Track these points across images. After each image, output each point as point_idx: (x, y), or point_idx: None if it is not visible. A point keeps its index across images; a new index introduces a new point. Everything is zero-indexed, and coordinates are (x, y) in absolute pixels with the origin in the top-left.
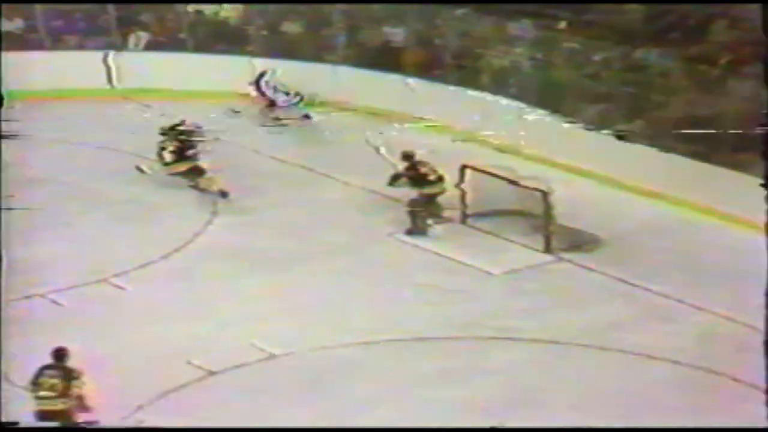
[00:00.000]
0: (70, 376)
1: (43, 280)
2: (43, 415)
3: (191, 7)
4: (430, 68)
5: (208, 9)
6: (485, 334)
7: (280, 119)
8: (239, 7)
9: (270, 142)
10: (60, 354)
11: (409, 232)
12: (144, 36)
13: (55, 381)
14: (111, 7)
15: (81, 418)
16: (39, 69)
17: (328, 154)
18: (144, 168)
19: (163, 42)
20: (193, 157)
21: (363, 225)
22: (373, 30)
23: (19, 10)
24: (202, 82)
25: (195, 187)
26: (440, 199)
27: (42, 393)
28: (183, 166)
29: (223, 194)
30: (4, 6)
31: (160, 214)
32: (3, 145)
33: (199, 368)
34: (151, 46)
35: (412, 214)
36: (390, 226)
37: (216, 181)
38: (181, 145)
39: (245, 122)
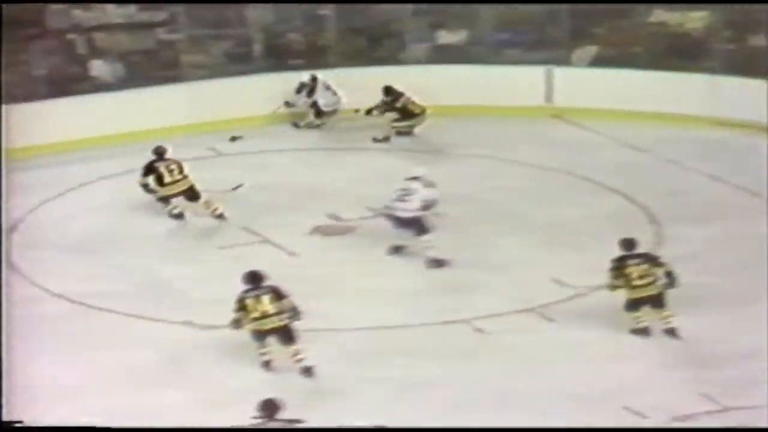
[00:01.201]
0: (651, 259)
1: (467, 306)
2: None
3: (654, 18)
4: None
5: (672, 19)
6: None
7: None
8: (704, 16)
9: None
10: (632, 243)
11: None
12: (591, 50)
13: (643, 266)
14: (564, 18)
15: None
16: (477, 83)
17: None
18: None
19: (613, 56)
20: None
21: None
22: None
23: (465, 22)
24: (647, 102)
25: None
26: None
27: (638, 282)
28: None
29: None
30: (448, 18)
31: (592, 241)
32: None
33: (638, 414)
34: (597, 61)
35: None
36: None
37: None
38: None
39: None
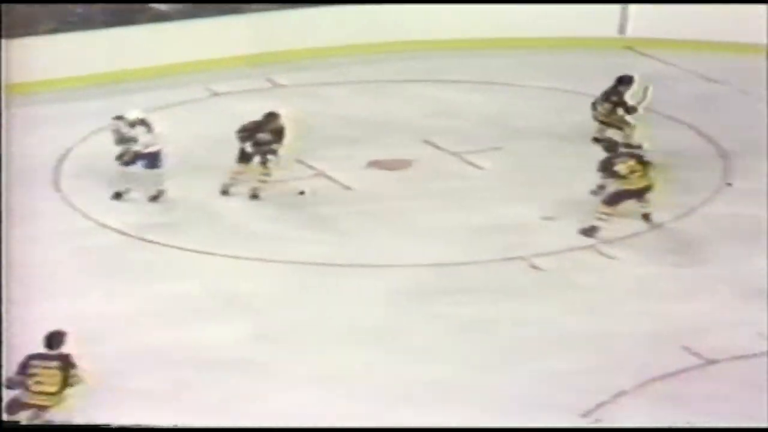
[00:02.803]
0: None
1: (524, 243)
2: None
3: None
4: None
5: None
6: None
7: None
8: None
9: None
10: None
11: None
12: None
13: (634, 166)
14: None
15: None
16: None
17: None
18: None
19: None
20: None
21: None
22: None
23: None
24: (725, 32)
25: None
26: None
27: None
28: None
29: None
30: None
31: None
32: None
33: (696, 355)
34: None
35: None
36: None
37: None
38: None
39: None
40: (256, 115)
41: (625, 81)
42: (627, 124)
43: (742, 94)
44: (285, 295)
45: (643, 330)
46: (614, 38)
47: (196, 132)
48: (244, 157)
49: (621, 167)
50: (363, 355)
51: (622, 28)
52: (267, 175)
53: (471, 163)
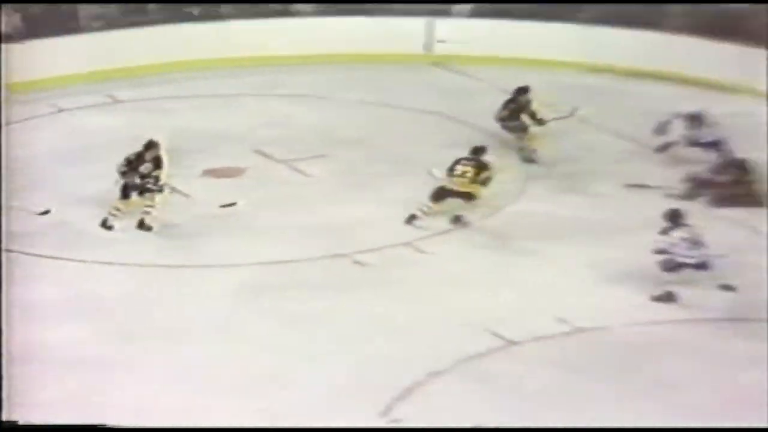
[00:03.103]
0: (481, 165)
1: (349, 241)
2: (454, 192)
3: None
4: None
5: None
6: None
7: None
8: None
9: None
10: (478, 149)
11: None
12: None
13: (467, 168)
14: None
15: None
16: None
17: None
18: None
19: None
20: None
21: None
22: None
23: None
24: (526, 49)
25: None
26: None
27: (456, 179)
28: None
29: (532, 157)
30: None
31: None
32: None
33: (501, 338)
34: (477, 13)
35: None
36: None
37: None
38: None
39: None
40: (102, 130)
41: (522, 91)
42: (525, 132)
43: (543, 105)
44: (131, 296)
45: (455, 318)
46: (423, 54)
47: (45, 146)
48: (127, 192)
49: (458, 167)
50: (202, 350)
51: (429, 45)
52: (151, 205)
53: (299, 170)
